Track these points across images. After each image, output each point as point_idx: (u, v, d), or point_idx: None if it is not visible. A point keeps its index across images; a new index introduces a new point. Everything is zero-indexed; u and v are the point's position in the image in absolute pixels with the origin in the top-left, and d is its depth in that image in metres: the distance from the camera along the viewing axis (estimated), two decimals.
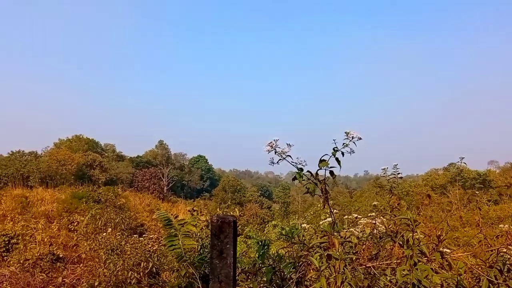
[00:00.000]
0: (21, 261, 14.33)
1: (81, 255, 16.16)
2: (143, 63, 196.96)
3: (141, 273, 8.57)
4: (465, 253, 4.03)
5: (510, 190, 40.66)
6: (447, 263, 3.42)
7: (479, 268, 3.56)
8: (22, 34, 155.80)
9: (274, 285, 3.89)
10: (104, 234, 11.75)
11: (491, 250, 3.60)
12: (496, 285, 3.26)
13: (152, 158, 72.23)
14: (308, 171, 2.84)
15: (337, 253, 2.90)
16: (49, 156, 47.52)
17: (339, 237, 3.16)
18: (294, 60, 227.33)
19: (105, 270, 9.04)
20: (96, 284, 8.69)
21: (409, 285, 3.04)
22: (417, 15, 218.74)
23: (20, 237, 17.15)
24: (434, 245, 3.43)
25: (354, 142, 2.79)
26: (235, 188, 67.49)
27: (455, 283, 3.40)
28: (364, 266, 3.37)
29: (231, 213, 9.55)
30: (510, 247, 3.58)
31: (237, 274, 4.23)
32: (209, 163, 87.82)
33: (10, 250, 16.60)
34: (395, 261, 3.46)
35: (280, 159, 2.82)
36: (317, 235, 4.27)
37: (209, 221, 8.46)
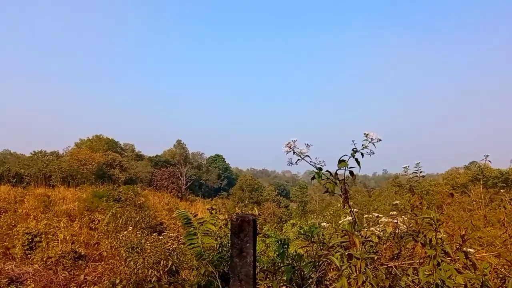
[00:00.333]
0: (44, 259, 14.63)
1: (102, 253, 16.43)
2: (160, 62, 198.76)
3: (161, 271, 8.65)
4: (489, 253, 3.95)
5: None
6: (471, 263, 3.35)
7: (504, 269, 3.48)
8: (36, 33, 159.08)
9: (294, 284, 3.89)
10: (125, 232, 11.91)
11: None
12: None
13: (171, 157, 72.97)
14: (327, 171, 2.82)
15: (358, 252, 2.88)
16: (70, 156, 48.49)
17: (359, 236, 3.13)
18: (313, 57, 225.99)
19: (125, 268, 9.16)
20: (117, 281, 8.81)
21: (432, 285, 3.00)
22: (419, 15, 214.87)
23: (43, 235, 17.50)
24: (457, 245, 3.37)
25: (373, 144, 2.76)
26: (253, 187, 67.56)
27: (480, 284, 3.33)
28: (385, 266, 3.33)
29: (250, 212, 9.57)
30: None
31: (256, 273, 4.24)
32: (227, 162, 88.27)
33: (34, 248, 16.95)
34: (418, 261, 3.40)
35: (298, 160, 2.81)
36: (337, 234, 4.25)
37: (228, 220, 8.50)
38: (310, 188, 76.66)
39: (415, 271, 3.36)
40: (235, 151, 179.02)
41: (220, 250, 7.48)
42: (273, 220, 42.54)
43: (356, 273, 2.93)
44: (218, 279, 6.71)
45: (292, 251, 4.95)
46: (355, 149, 2.77)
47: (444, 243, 3.19)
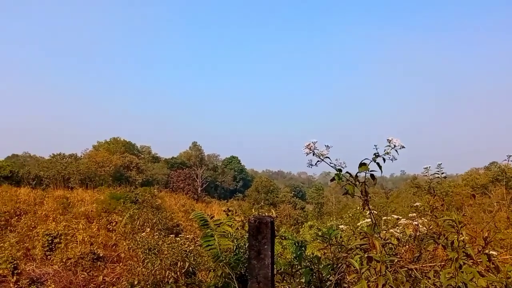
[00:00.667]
0: (64, 260, 14.87)
1: (120, 254, 16.62)
2: (175, 64, 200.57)
3: (178, 273, 8.70)
4: None
5: None
6: (493, 266, 3.28)
7: None
8: (53, 36, 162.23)
9: (313, 286, 3.86)
10: (142, 234, 12.02)
11: None
12: None
13: (186, 159, 73.43)
14: (347, 172, 2.79)
15: (378, 255, 2.84)
16: (88, 158, 49.22)
17: (379, 238, 3.09)
18: (329, 58, 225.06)
19: (143, 269, 9.24)
20: (135, 283, 8.90)
21: None
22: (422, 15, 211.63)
23: (62, 236, 17.77)
24: (480, 247, 3.29)
25: (396, 150, 2.73)
26: (268, 189, 67.49)
27: (503, 287, 3.25)
28: (405, 268, 3.27)
29: (266, 213, 9.56)
30: None
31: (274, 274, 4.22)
32: (242, 164, 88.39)
33: (53, 249, 17.23)
34: (439, 263, 3.34)
35: (318, 161, 2.79)
36: (355, 237, 4.21)
37: (244, 221, 8.51)
38: (326, 190, 76.20)
39: (436, 274, 3.30)
40: (251, 152, 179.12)
41: (237, 252, 7.48)
42: (289, 222, 42.44)
43: (376, 275, 2.89)
44: (235, 280, 6.72)
45: (309, 253, 4.91)
46: (377, 154, 2.74)
47: (466, 246, 3.13)
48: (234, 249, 7.58)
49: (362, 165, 2.74)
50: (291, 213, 47.95)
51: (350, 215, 16.39)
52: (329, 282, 3.84)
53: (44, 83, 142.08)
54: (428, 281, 3.24)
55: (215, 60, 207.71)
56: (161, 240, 10.84)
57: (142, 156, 69.02)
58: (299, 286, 4.10)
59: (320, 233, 3.97)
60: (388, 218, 4.35)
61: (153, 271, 8.88)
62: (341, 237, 4.08)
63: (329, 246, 3.86)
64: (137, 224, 19.86)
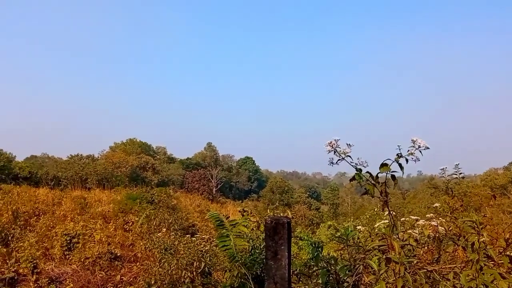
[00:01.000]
0: (82, 260, 15.08)
1: (137, 254, 16.79)
2: (189, 65, 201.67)
3: (194, 273, 8.74)
4: None
5: None
6: None
7: None
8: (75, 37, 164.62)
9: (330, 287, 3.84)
10: (159, 234, 12.12)
11: None
12: None
13: (201, 160, 73.84)
14: (367, 172, 2.76)
15: (397, 256, 2.81)
16: (105, 159, 49.93)
17: (398, 240, 3.06)
18: (343, 57, 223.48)
19: (160, 269, 9.30)
20: (152, 282, 8.98)
21: None
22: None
23: (80, 236, 18.02)
24: (501, 248, 3.23)
25: (420, 151, 2.67)
26: (283, 189, 67.38)
27: None
28: (425, 270, 3.23)
29: (281, 214, 9.54)
30: None
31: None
32: (256, 164, 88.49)
33: (72, 248, 17.48)
34: (459, 265, 3.29)
35: (339, 159, 2.76)
36: (371, 238, 4.16)
37: (259, 222, 8.51)
38: (341, 190, 75.72)
39: (456, 276, 3.25)
40: (265, 152, 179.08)
41: (253, 252, 7.49)
42: (304, 222, 42.27)
43: (395, 277, 2.86)
44: (251, 281, 6.72)
45: (325, 254, 4.89)
46: (399, 154, 2.69)
47: (487, 247, 3.08)
48: (250, 250, 7.59)
49: (384, 165, 2.70)
50: (306, 213, 47.74)
51: (368, 216, 16.25)
52: (346, 284, 3.82)
53: (61, 85, 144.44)
54: (448, 283, 3.20)
55: (231, 60, 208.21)
56: (177, 240, 10.91)
57: (158, 156, 69.69)
58: (316, 287, 4.08)
59: (337, 234, 3.94)
60: (406, 219, 4.29)
61: (169, 271, 8.94)
62: (358, 238, 4.05)
63: (346, 247, 3.83)
64: (154, 224, 20.02)
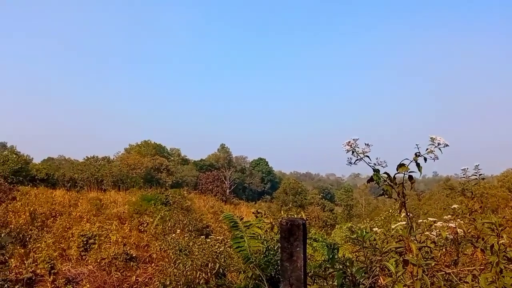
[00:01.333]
0: (98, 260, 15.26)
1: (152, 255, 16.93)
2: (202, 67, 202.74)
3: (209, 274, 8.78)
4: None
5: None
6: None
7: None
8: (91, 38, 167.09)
9: None
10: (173, 235, 12.20)
11: None
12: None
13: (215, 161, 74.10)
14: (385, 173, 2.73)
15: (415, 258, 2.77)
16: (121, 161, 50.47)
17: (415, 241, 3.02)
18: (356, 58, 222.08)
19: (175, 270, 9.36)
20: (167, 283, 9.04)
21: None
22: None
23: (96, 237, 18.25)
24: None
25: (439, 149, 2.61)
26: (296, 191, 67.10)
27: None
28: (443, 273, 3.18)
29: (295, 215, 9.51)
30: None
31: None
32: (270, 166, 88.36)
33: (88, 249, 17.72)
34: (478, 267, 3.23)
35: (358, 159, 2.73)
36: (388, 240, 4.12)
37: (273, 223, 8.49)
38: (355, 192, 75.14)
39: (474, 279, 3.20)
40: (278, 153, 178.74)
41: (267, 254, 7.48)
42: (318, 224, 42.08)
43: (412, 279, 2.82)
44: (265, 282, 6.72)
45: (340, 256, 4.85)
46: (418, 153, 2.64)
47: (507, 249, 3.02)
48: (264, 251, 7.57)
49: (401, 165, 2.66)
50: (320, 215, 47.55)
51: (383, 218, 16.10)
52: (362, 286, 3.78)
53: (76, 88, 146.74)
54: (466, 286, 3.15)
55: (239, 60, 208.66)
56: (192, 241, 10.96)
57: (172, 158, 70.20)
58: None
59: (353, 236, 3.91)
60: (424, 220, 4.24)
61: (184, 272, 9.00)
62: (374, 239, 4.01)
63: (362, 248, 3.80)
64: (168, 225, 20.17)
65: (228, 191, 63.51)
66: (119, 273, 14.16)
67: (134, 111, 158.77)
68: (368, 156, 2.70)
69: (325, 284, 4.12)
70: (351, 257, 4.43)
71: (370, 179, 2.71)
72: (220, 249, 9.50)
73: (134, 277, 14.08)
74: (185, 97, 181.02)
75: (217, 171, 65.28)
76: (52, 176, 39.52)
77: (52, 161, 54.60)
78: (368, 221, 20.09)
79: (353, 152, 2.73)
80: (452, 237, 3.61)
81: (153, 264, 14.96)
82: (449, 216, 4.13)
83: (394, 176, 2.72)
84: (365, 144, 2.70)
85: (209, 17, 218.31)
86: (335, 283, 3.88)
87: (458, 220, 3.95)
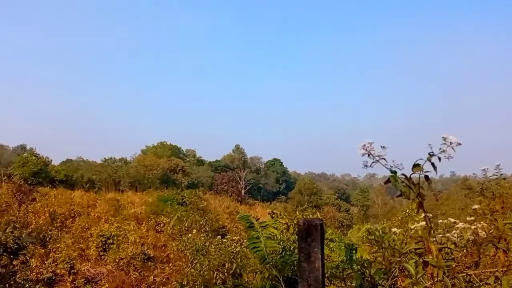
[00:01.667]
0: (117, 260, 15.46)
1: (169, 255, 17.08)
2: (215, 68, 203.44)
3: (226, 274, 8.80)
4: None
5: None
6: None
7: None
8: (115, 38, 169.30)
9: None
10: (190, 235, 12.29)
11: None
12: None
13: (230, 162, 74.45)
14: (402, 174, 2.70)
15: (435, 259, 2.74)
16: (137, 162, 51.10)
17: (435, 242, 2.98)
18: (371, 60, 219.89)
19: (192, 270, 9.42)
20: (184, 283, 9.10)
21: None
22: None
23: (114, 237, 18.49)
24: None
25: (452, 148, 2.58)
26: (311, 191, 66.85)
27: None
28: (464, 274, 3.14)
29: (310, 216, 9.48)
30: None
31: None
32: (284, 166, 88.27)
33: (107, 249, 17.97)
34: (500, 269, 3.18)
35: (373, 162, 2.71)
36: (407, 241, 4.08)
37: (289, 224, 8.48)
38: (371, 192, 74.45)
39: (497, 280, 3.14)
40: (293, 153, 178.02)
41: (283, 254, 7.47)
42: (333, 224, 41.82)
43: (432, 281, 2.79)
44: (282, 283, 6.71)
45: (357, 257, 4.82)
46: (431, 153, 2.62)
47: None
48: (281, 252, 7.57)
49: (416, 166, 2.63)
50: (335, 215, 47.23)
51: (399, 218, 15.90)
52: (381, 287, 3.75)
53: (94, 89, 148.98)
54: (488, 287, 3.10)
55: (255, 60, 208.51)
56: (208, 241, 11.01)
57: (188, 159, 70.74)
58: None
59: (371, 237, 3.88)
60: (444, 221, 4.18)
61: (201, 272, 9.04)
62: (393, 240, 3.97)
63: (381, 249, 3.77)
64: (185, 225, 20.32)
65: (243, 191, 63.64)
66: (137, 273, 14.33)
67: (149, 113, 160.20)
68: (384, 159, 2.67)
69: (343, 285, 4.10)
70: (369, 258, 4.39)
71: (387, 181, 2.69)
72: (237, 249, 9.52)
73: (152, 277, 14.23)
74: (202, 100, 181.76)
75: (232, 171, 65.49)
76: (70, 178, 40.26)
77: (71, 163, 55.56)
78: (385, 222, 19.87)
79: (368, 155, 2.71)
80: (473, 238, 3.56)
81: (170, 264, 15.09)
82: (472, 217, 4.07)
83: (410, 176, 2.69)
84: (381, 146, 2.67)
85: (228, 21, 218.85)
86: (353, 284, 3.86)
87: (481, 221, 3.89)
